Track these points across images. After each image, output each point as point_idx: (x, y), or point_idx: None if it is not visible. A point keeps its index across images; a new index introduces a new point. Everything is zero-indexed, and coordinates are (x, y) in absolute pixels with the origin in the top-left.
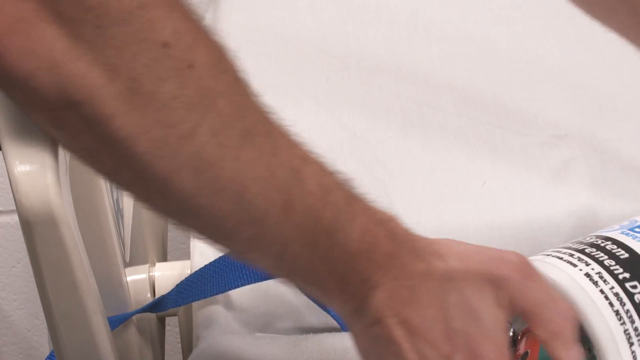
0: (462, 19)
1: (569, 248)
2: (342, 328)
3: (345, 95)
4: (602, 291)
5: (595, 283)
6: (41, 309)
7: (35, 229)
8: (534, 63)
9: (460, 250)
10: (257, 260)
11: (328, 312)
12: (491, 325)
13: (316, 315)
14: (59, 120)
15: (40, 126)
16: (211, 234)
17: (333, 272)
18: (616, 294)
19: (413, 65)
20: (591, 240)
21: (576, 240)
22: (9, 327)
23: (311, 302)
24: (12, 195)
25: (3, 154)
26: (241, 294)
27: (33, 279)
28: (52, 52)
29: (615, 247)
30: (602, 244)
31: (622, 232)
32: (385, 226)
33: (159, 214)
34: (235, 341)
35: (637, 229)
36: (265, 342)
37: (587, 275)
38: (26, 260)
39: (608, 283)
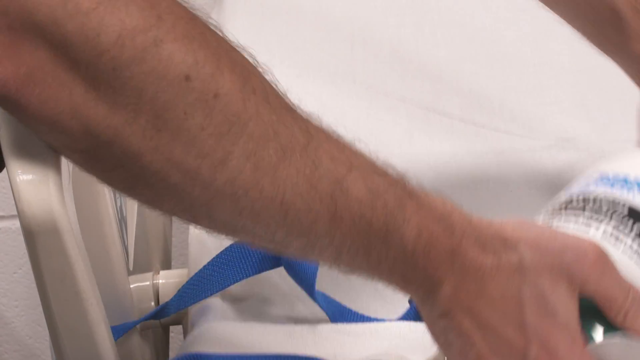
0: (470, 21)
1: (565, 209)
2: (331, 319)
3: (351, 99)
4: (624, 251)
5: (615, 242)
6: (43, 315)
7: (37, 238)
8: (541, 66)
9: (532, 237)
10: (316, 261)
11: (319, 304)
12: (566, 318)
13: (310, 305)
14: (92, 159)
15: (77, 165)
16: (264, 246)
17: (393, 270)
18: (636, 251)
19: (419, 68)
20: (580, 205)
21: (557, 203)
22: (10, 334)
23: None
24: (13, 200)
25: (6, 163)
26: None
27: (35, 285)
28: (73, 97)
29: (608, 206)
30: (593, 205)
31: (602, 185)
32: (444, 222)
33: (209, 232)
34: (229, 328)
35: (609, 179)
36: (259, 330)
37: (605, 235)
38: (28, 266)
39: (624, 242)
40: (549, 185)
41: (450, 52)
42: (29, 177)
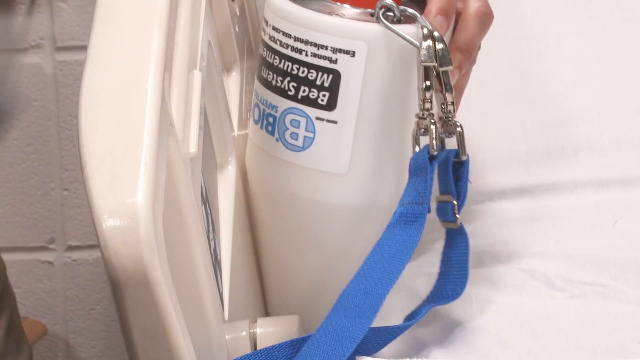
0: (591, 42)
1: None
2: None
3: None
4: None
5: None
6: (124, 356)
7: (126, 291)
8: None
9: None
10: None
11: None
12: None
13: None
14: None
15: None
16: None
17: None
18: None
19: (537, 89)
20: None
21: None
22: None
23: None
24: (91, 228)
25: (90, 206)
26: None
27: (114, 322)
28: None
29: None
30: None
31: None
32: None
33: None
34: None
35: None
36: None
37: None
38: (106, 301)
39: None
40: None
41: (575, 71)
42: (117, 222)
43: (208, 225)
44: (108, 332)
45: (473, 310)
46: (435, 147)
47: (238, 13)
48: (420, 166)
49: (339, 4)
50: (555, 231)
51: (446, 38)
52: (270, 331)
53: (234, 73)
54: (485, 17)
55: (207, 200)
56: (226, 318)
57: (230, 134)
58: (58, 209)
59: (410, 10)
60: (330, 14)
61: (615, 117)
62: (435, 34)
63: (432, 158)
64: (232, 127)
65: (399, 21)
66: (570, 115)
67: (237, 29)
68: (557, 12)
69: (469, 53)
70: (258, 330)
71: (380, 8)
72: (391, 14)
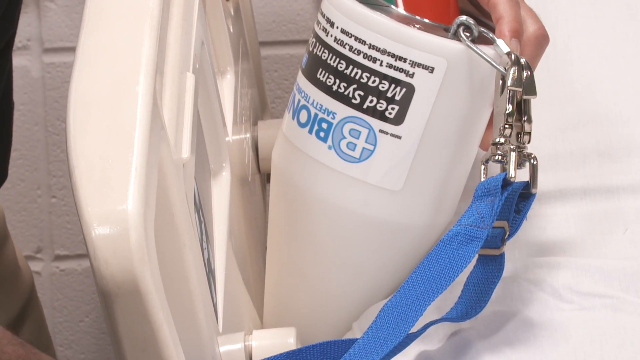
0: (600, 43)
1: None
2: None
3: None
4: None
5: None
6: None
7: (116, 301)
8: None
9: None
10: None
11: None
12: None
13: None
14: None
15: None
16: None
17: None
18: None
19: (544, 92)
20: None
21: None
22: None
23: None
24: (80, 237)
25: (78, 213)
26: None
27: (104, 334)
28: None
29: None
30: None
31: None
32: None
33: None
34: None
35: None
36: None
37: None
38: (96, 313)
39: None
40: None
41: (583, 71)
42: (107, 230)
43: (201, 234)
44: (98, 345)
45: (479, 323)
46: (514, 174)
47: (233, 13)
48: (490, 191)
49: (409, 14)
50: (563, 240)
51: None
52: (267, 344)
53: (228, 76)
54: (544, 41)
55: (201, 208)
56: (220, 330)
57: (225, 139)
58: (45, 217)
59: (491, 34)
60: (408, 24)
61: (625, 121)
62: (523, 60)
63: (505, 185)
64: (227, 131)
65: (473, 41)
66: (578, 119)
67: (231, 30)
68: (564, 11)
69: None
70: (254, 343)
71: (459, 26)
72: (468, 33)
